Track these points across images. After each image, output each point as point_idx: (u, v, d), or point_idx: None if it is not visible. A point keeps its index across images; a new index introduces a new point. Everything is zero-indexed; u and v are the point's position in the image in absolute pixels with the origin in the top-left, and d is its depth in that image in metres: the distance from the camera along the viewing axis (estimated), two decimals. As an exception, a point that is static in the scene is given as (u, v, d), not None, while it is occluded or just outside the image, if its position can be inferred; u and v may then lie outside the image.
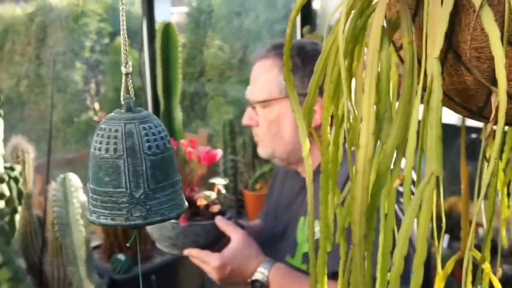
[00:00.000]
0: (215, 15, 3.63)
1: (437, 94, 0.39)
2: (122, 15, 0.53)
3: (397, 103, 0.44)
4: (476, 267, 0.54)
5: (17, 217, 1.37)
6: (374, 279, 0.45)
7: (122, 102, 0.54)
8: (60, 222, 1.28)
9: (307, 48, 1.17)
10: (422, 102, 0.41)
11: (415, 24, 0.45)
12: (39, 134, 3.34)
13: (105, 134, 0.52)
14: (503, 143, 0.56)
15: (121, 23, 0.53)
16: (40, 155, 1.61)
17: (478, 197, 0.48)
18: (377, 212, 0.45)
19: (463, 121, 0.58)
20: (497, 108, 0.38)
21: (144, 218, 0.52)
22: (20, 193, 1.36)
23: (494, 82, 0.38)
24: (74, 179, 1.30)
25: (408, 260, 0.38)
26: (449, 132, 0.61)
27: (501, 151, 0.56)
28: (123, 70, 0.55)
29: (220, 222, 1.12)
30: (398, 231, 0.41)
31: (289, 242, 1.21)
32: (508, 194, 0.59)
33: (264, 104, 1.19)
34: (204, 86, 3.67)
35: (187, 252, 1.12)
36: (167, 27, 1.96)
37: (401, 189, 0.43)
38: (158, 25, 2.02)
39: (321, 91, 0.51)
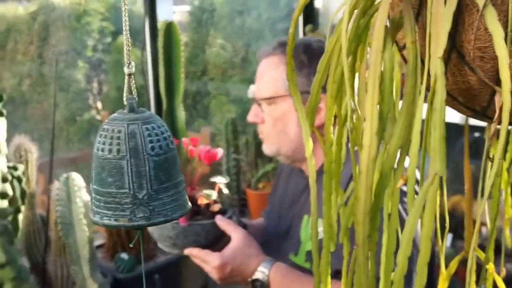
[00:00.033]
0: (217, 14, 3.63)
1: (440, 94, 0.39)
2: (125, 15, 0.53)
3: (400, 103, 0.44)
4: (480, 267, 0.54)
5: (20, 217, 1.37)
6: (377, 280, 0.45)
7: (125, 103, 0.54)
8: (63, 221, 1.28)
9: (314, 46, 1.16)
10: (425, 101, 0.41)
11: (418, 24, 0.45)
12: (42, 133, 3.34)
13: (108, 134, 0.52)
14: (507, 142, 0.56)
15: (124, 24, 0.53)
16: (43, 154, 1.61)
17: (482, 196, 0.47)
18: (381, 212, 0.45)
19: (466, 120, 0.58)
20: (501, 108, 0.38)
21: (147, 219, 0.52)
22: (23, 192, 1.37)
23: (498, 82, 0.38)
24: (77, 178, 1.31)
25: (411, 260, 0.38)
26: (452, 131, 0.60)
27: (505, 150, 0.56)
28: (126, 70, 0.55)
29: (220, 221, 1.12)
30: (401, 231, 0.41)
31: (293, 240, 1.21)
32: (512, 194, 0.59)
33: (270, 101, 1.19)
34: (207, 85, 3.67)
35: (187, 251, 1.12)
36: (169, 26, 1.96)
37: (404, 189, 0.43)
38: (160, 24, 2.01)
39: (324, 90, 0.51)
